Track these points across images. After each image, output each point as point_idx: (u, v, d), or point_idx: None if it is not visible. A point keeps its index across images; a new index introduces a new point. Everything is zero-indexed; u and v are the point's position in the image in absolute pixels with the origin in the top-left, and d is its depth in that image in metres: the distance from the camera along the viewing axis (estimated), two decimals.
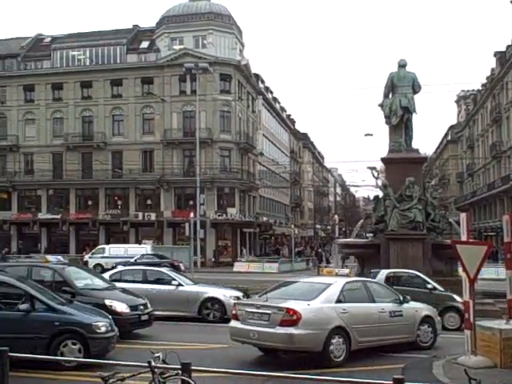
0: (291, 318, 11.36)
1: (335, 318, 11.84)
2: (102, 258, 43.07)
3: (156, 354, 6.99)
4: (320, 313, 11.81)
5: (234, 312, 12.75)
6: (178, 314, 18.42)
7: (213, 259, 53.89)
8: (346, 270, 19.40)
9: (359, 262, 23.81)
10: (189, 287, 18.99)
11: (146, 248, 44.53)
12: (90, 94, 60.23)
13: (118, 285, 18.29)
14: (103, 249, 46.42)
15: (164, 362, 7.07)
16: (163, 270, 21.08)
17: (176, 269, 32.00)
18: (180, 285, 18.78)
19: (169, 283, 18.88)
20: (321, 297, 12.11)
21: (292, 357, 12.56)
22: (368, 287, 13.28)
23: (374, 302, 12.96)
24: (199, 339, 15.02)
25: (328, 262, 56.79)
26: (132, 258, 38.91)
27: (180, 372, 6.87)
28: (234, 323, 12.56)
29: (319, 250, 64.97)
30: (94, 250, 47.64)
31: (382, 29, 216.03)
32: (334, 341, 11.62)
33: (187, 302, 18.46)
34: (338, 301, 12.19)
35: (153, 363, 6.82)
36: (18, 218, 60.16)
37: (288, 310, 11.48)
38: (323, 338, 11.50)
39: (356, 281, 14.29)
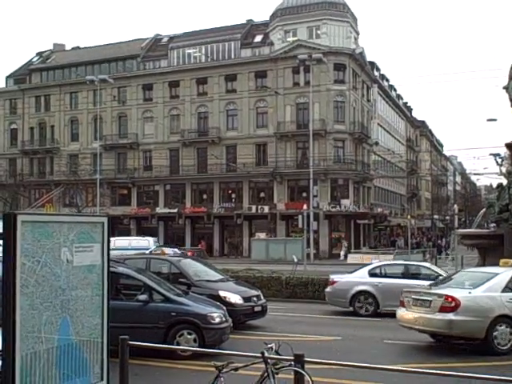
0: (449, 305, 12.06)
1: (500, 306, 12.09)
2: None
3: (269, 345, 7.01)
4: (481, 301, 12.23)
5: (401, 299, 13.44)
6: None
7: (313, 251, 51.73)
8: None
9: (480, 253, 22.65)
10: None
11: (148, 241, 43.94)
12: (206, 90, 61.54)
13: (378, 280, 18.44)
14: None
15: (277, 352, 7.08)
16: (426, 264, 20.18)
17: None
18: None
19: (432, 278, 17.32)
20: (485, 285, 12.50)
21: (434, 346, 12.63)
22: None
23: None
24: (313, 331, 14.98)
25: (447, 253, 54.85)
26: (135, 250, 38.66)
27: (293, 363, 6.81)
28: (400, 310, 13.38)
29: (438, 242, 62.92)
30: None
31: (506, 5, 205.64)
32: (498, 329, 11.86)
33: None
34: (506, 290, 12.35)
35: (266, 354, 6.83)
36: (137, 213, 62.67)
37: (447, 297, 12.18)
38: (485, 325, 11.82)
39: None
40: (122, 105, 64.88)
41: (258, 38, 62.04)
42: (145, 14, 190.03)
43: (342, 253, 51.97)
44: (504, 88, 23.05)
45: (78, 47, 75.41)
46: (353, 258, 47.26)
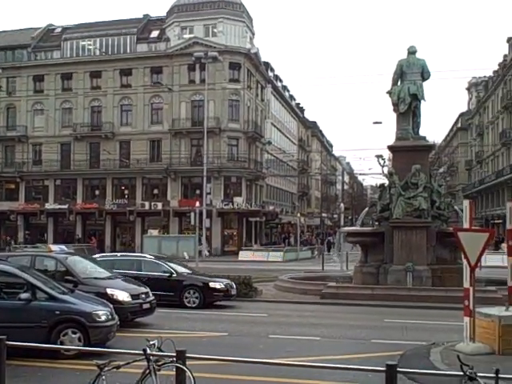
0: None
1: None
2: None
3: (151, 342, 7.04)
4: None
5: None
6: None
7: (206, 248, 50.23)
8: None
9: (363, 250, 23.78)
10: None
11: None
12: (99, 83, 60.23)
13: None
14: None
15: (159, 349, 7.12)
16: None
17: None
18: None
19: None
20: None
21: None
22: None
23: None
24: (201, 328, 15.17)
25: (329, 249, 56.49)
26: None
27: (175, 359, 6.92)
28: None
29: (329, 238, 64.89)
30: None
31: (393, 15, 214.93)
32: None
33: None
34: None
35: (148, 351, 6.87)
36: (25, 208, 60.43)
37: None
38: None
39: None
40: (10, 96, 62.21)
41: (155, 34, 61.43)
42: (36, 3, 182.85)
43: (205, 252, 51.17)
44: (388, 92, 24.25)
45: None
46: (244, 255, 48.00)
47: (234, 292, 20.20)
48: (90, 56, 60.65)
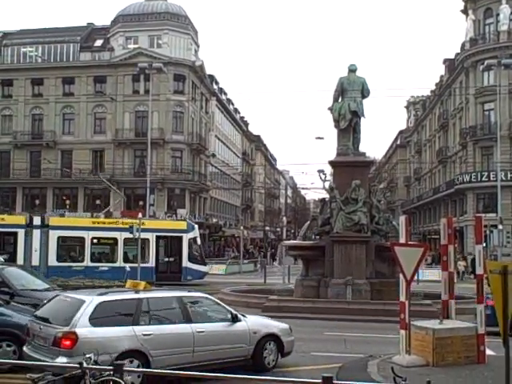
0: None
1: None
2: None
3: (88, 355, 6.99)
4: None
5: None
6: None
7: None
8: None
9: (304, 263, 23.99)
10: None
11: None
12: (41, 91, 59.11)
13: None
14: None
15: (96, 362, 7.07)
16: None
17: None
18: None
19: None
20: None
21: None
22: None
23: None
24: None
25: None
26: None
27: (112, 373, 6.87)
28: None
29: (273, 251, 65.15)
30: None
31: (335, 34, 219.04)
32: None
33: None
34: None
35: (84, 364, 6.80)
36: None
37: None
38: None
39: None
40: None
41: (99, 43, 60.81)
42: None
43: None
44: (329, 109, 24.60)
45: None
46: None
47: None
48: (32, 63, 59.46)
